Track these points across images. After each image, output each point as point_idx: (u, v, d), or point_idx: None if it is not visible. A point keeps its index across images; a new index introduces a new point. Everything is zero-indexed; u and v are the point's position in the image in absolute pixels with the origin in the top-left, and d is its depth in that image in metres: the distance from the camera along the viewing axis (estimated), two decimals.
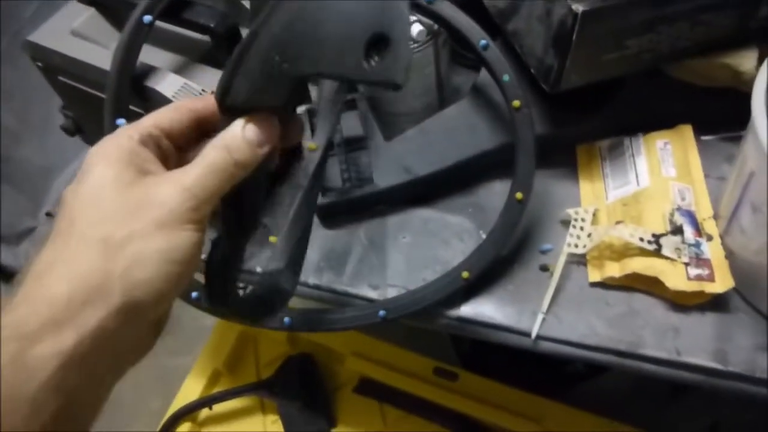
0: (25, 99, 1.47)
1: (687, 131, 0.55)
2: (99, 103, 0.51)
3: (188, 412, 0.89)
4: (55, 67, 0.56)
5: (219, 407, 0.91)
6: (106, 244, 0.30)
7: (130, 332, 0.31)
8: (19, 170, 1.53)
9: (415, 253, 0.56)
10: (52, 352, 0.27)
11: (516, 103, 0.49)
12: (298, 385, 0.86)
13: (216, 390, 0.91)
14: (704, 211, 0.51)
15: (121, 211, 0.31)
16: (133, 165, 0.32)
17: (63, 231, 0.31)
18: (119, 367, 0.32)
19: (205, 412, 0.91)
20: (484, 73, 0.58)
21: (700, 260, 0.48)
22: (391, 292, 0.53)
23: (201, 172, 0.32)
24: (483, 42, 0.49)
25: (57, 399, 0.27)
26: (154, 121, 0.35)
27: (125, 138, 0.33)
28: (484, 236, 0.55)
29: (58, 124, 0.68)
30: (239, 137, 0.33)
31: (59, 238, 0.31)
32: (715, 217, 0.51)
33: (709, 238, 0.49)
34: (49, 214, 1.65)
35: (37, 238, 1.65)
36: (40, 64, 0.57)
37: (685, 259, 0.48)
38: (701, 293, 0.47)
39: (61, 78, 0.57)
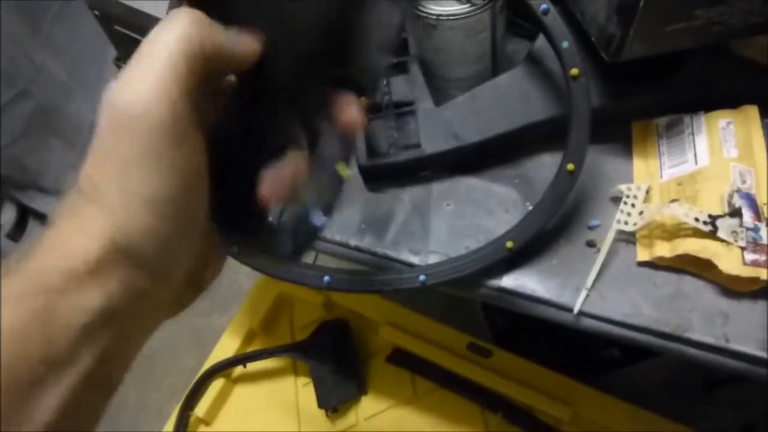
0: (76, 55, 1.50)
1: (752, 112, 0.53)
2: None
3: (223, 368, 0.91)
4: (112, 15, 0.56)
5: (253, 366, 0.92)
6: (94, 197, 0.28)
7: (160, 290, 0.29)
8: (69, 125, 1.56)
9: (459, 221, 0.55)
10: (80, 307, 0.26)
11: (574, 71, 0.47)
12: (332, 350, 0.87)
13: (251, 349, 0.93)
14: (766, 195, 0.49)
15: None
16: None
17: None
18: (149, 325, 0.30)
19: (239, 370, 0.93)
20: (540, 41, 0.57)
21: (757, 245, 0.46)
22: (433, 259, 0.52)
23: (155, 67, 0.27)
24: (543, 6, 0.47)
25: (90, 356, 0.26)
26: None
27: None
28: (530, 208, 0.54)
29: (108, 80, 0.69)
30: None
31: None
32: None
33: None
34: None
35: None
36: (97, 12, 0.58)
37: (742, 243, 0.46)
38: (756, 279, 0.46)
39: (116, 27, 0.57)
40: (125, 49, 0.61)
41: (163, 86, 0.27)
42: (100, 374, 0.27)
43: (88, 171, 0.28)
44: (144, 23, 0.53)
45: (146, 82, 0.27)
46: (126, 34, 0.56)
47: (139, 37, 0.55)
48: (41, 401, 0.25)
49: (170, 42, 0.27)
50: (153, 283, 0.29)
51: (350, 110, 0.33)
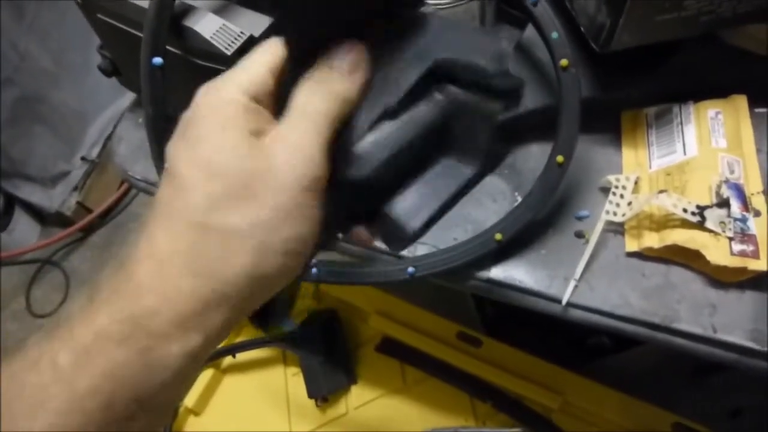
0: (62, 41, 1.48)
1: (741, 102, 0.52)
2: (136, 42, 0.50)
3: (212, 358, 0.91)
4: (94, 3, 0.55)
5: (242, 356, 0.92)
6: (227, 237, 0.27)
7: (240, 321, 0.30)
8: (55, 113, 1.54)
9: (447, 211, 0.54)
10: (179, 353, 0.26)
11: (564, 62, 0.47)
12: (321, 340, 0.87)
13: (240, 339, 0.93)
14: (753, 185, 0.49)
15: (239, 189, 0.27)
16: (249, 128, 0.29)
17: (177, 208, 0.28)
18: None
19: (228, 360, 0.92)
20: (529, 30, 0.56)
21: (745, 236, 0.46)
22: (421, 250, 0.52)
23: (307, 124, 0.29)
24: None
25: (177, 394, 0.27)
26: (269, 65, 0.30)
27: (236, 93, 0.29)
28: (519, 198, 0.54)
29: (96, 67, 0.68)
30: (328, 69, 0.30)
31: (176, 218, 0.28)
32: (765, 192, 0.48)
33: (757, 213, 0.47)
34: (84, 159, 1.68)
35: (71, 181, 1.67)
36: (78, 0, 0.56)
37: (730, 234, 0.46)
38: (744, 270, 0.46)
39: (99, 16, 0.56)
40: (108, 37, 0.60)
41: (316, 149, 0.29)
42: (173, 407, 0.28)
43: (221, 212, 0.28)
44: (127, 12, 0.52)
45: (303, 144, 0.29)
46: (109, 22, 0.55)
47: (122, 26, 0.54)
48: None
49: (320, 108, 0.29)
50: (239, 320, 0.29)
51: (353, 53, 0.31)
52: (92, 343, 0.25)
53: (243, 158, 0.28)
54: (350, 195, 0.31)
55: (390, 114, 0.31)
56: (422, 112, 0.31)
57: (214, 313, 0.27)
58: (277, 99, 0.30)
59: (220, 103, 0.29)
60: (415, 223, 0.33)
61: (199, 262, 0.27)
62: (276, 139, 0.29)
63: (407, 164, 0.32)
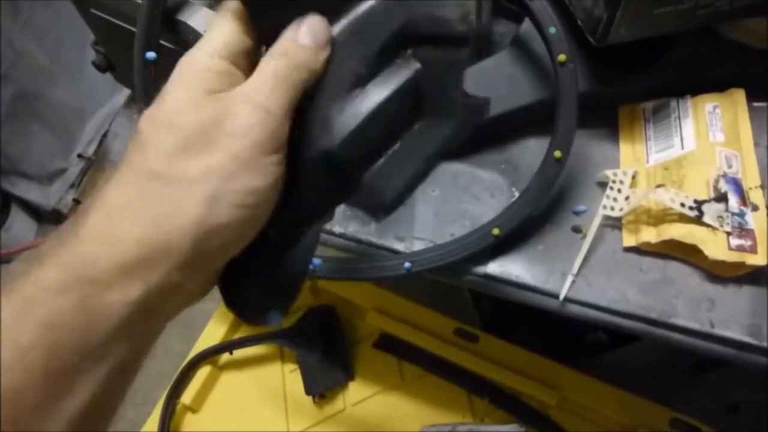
0: (58, 39, 1.47)
1: (739, 96, 0.52)
2: (130, 37, 0.50)
3: (209, 355, 0.90)
4: None
5: (239, 353, 0.92)
6: (179, 185, 0.27)
7: (195, 282, 0.29)
8: (52, 110, 1.54)
9: (444, 206, 0.54)
10: (120, 302, 0.26)
11: (561, 57, 0.47)
12: (319, 337, 0.86)
13: (237, 336, 0.92)
14: (751, 179, 0.49)
15: (196, 139, 0.27)
16: (210, 87, 0.29)
17: (135, 163, 0.28)
18: (177, 311, 0.30)
19: (225, 357, 0.92)
20: (526, 24, 0.56)
21: (743, 230, 0.46)
22: (418, 245, 0.52)
23: (269, 84, 0.29)
24: None
25: (125, 347, 0.27)
26: (238, 26, 0.30)
27: (206, 56, 0.30)
28: (516, 193, 0.53)
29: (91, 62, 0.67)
30: (294, 40, 0.30)
31: (131, 171, 0.28)
32: (763, 186, 0.48)
33: (755, 208, 0.47)
34: (80, 156, 1.67)
35: (68, 179, 1.67)
36: None
37: (728, 228, 0.46)
38: (741, 264, 0.45)
39: (93, 11, 0.56)
40: (102, 32, 0.60)
41: (273, 104, 0.29)
42: (130, 364, 0.28)
43: (173, 162, 0.28)
44: (121, 6, 0.52)
45: (260, 99, 0.29)
46: (102, 17, 0.54)
47: (115, 21, 0.54)
48: (72, 391, 0.25)
49: (280, 71, 0.29)
50: (191, 278, 0.29)
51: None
52: (32, 294, 0.25)
53: (197, 111, 0.28)
54: (326, 169, 0.31)
55: (360, 82, 0.31)
56: (390, 75, 0.31)
57: (158, 264, 0.26)
58: (255, 62, 0.31)
59: (188, 67, 0.30)
60: (391, 187, 0.32)
61: (147, 211, 0.27)
62: (234, 93, 0.29)
63: (380, 132, 0.31)
